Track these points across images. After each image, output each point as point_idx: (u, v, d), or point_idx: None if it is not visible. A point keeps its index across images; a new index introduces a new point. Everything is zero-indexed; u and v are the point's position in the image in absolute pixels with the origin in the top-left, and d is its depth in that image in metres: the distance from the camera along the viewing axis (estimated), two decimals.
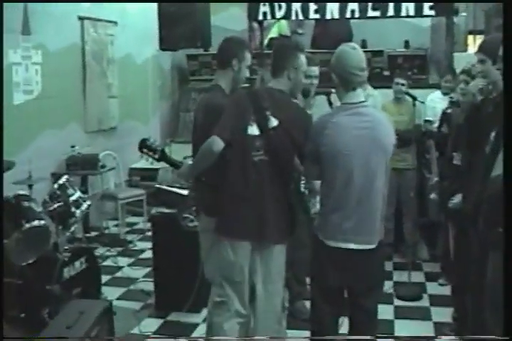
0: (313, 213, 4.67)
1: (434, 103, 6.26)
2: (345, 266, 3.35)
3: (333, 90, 4.54)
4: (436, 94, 6.41)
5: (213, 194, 3.76)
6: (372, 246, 3.35)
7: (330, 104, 4.32)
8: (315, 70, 4.87)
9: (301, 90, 4.15)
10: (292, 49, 3.71)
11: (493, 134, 3.32)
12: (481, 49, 3.66)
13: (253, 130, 3.58)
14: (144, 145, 3.92)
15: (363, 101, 3.37)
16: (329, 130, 3.29)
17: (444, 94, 6.23)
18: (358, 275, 3.38)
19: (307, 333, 3.72)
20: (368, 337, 3.42)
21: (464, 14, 8.42)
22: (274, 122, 3.54)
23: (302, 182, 3.73)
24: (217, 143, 3.51)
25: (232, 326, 3.75)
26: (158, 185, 5.64)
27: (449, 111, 5.21)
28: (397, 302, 5.34)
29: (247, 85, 4.29)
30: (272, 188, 3.61)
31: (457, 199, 4.30)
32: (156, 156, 3.92)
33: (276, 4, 7.72)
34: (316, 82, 4.90)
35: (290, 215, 3.74)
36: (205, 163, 3.64)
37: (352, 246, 3.32)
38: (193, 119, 4.16)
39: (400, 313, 5.10)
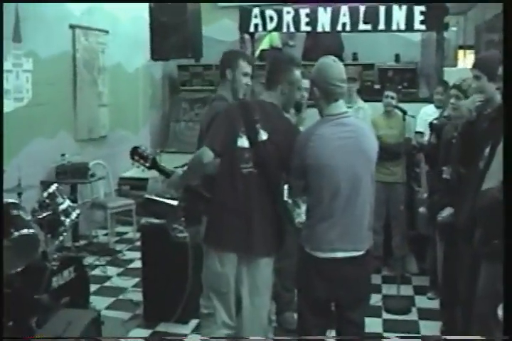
0: (297, 223, 4.70)
1: (427, 116, 6.24)
2: (333, 277, 3.35)
3: None
4: (430, 107, 6.42)
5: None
6: (360, 253, 3.36)
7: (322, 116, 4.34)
8: (306, 83, 4.89)
9: (293, 105, 4.16)
10: (287, 63, 3.70)
11: (487, 150, 3.35)
12: (477, 65, 3.68)
13: (243, 142, 3.56)
14: (135, 153, 3.92)
15: (345, 112, 3.41)
16: (313, 142, 3.30)
17: (437, 107, 6.26)
18: (346, 286, 3.37)
19: None
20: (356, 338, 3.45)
21: (454, 29, 8.50)
22: (263, 135, 3.55)
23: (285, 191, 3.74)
24: (208, 155, 3.52)
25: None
26: (147, 195, 5.61)
27: (435, 122, 5.25)
28: (386, 315, 5.33)
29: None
30: (261, 201, 3.60)
31: (446, 212, 4.33)
32: (148, 164, 3.92)
33: (267, 16, 7.75)
34: (306, 95, 4.92)
35: (279, 229, 3.72)
36: (195, 173, 3.69)
37: (339, 255, 3.32)
38: (200, 129, 4.18)
39: (389, 326, 5.08)
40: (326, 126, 3.35)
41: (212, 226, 3.70)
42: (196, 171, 3.67)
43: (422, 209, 5.55)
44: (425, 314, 5.31)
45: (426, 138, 5.90)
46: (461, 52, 9.62)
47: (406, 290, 5.75)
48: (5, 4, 6.01)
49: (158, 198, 5.18)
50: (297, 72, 3.67)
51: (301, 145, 3.36)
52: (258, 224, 3.59)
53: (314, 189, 3.38)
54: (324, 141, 3.30)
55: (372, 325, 4.96)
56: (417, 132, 6.28)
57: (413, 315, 5.33)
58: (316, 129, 3.37)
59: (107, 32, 8.34)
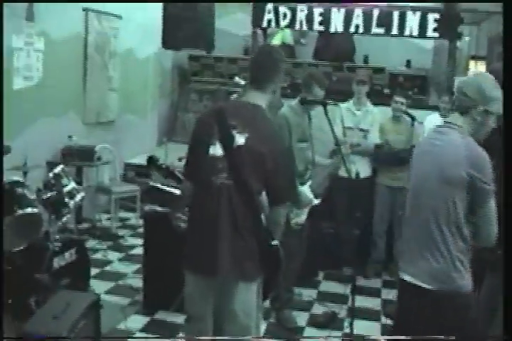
0: (294, 223, 4.70)
1: (432, 124, 6.25)
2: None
3: (328, 101, 4.58)
4: (435, 115, 6.44)
5: None
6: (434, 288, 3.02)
7: (326, 113, 4.35)
8: (322, 95, 4.81)
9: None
10: (283, 62, 3.40)
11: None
12: None
13: (215, 150, 3.18)
14: (151, 162, 3.84)
15: (450, 123, 3.08)
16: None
17: (443, 116, 6.27)
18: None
19: None
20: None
21: (467, 39, 8.52)
22: (239, 140, 3.16)
23: None
24: (187, 189, 3.38)
25: None
26: (152, 183, 5.60)
27: None
28: (385, 320, 5.29)
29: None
30: (235, 216, 3.18)
31: None
32: (165, 174, 3.84)
33: (281, 13, 7.77)
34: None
35: (262, 249, 3.26)
36: (185, 203, 3.47)
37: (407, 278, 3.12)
38: None
39: (387, 331, 4.97)
40: (429, 132, 3.18)
41: (187, 246, 3.35)
42: (186, 203, 3.44)
43: None
44: None
45: None
46: (472, 62, 9.65)
47: None
48: None
49: (163, 187, 5.18)
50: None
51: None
52: (233, 244, 3.19)
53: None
54: (416, 152, 3.21)
55: (371, 329, 5.01)
56: None
57: None
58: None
59: (120, 17, 8.28)
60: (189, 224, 3.37)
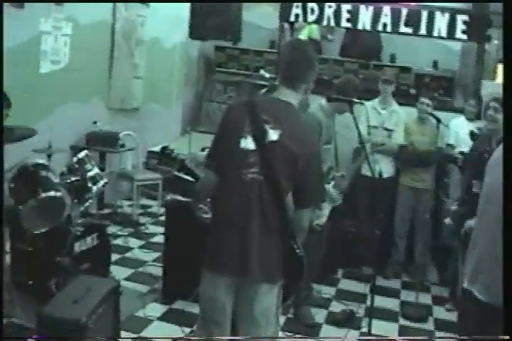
0: (316, 225, 4.67)
1: (458, 128, 6.20)
2: None
3: (354, 99, 4.55)
4: (461, 119, 6.36)
5: None
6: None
7: (351, 111, 4.32)
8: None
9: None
10: (317, 60, 3.24)
11: None
12: None
13: (247, 143, 3.03)
14: (163, 154, 3.72)
15: None
16: None
17: (469, 119, 6.22)
18: None
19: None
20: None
21: (496, 42, 8.39)
22: (273, 136, 3.01)
23: None
24: (209, 180, 3.13)
25: None
26: (176, 173, 5.56)
27: (476, 131, 5.18)
28: (403, 321, 5.28)
29: None
30: (265, 214, 3.04)
31: (472, 224, 4.27)
32: (176, 166, 3.70)
33: (309, 8, 7.72)
34: None
35: (287, 253, 3.14)
36: (205, 195, 3.36)
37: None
38: None
39: (404, 333, 5.02)
40: None
41: (208, 244, 3.15)
42: (205, 193, 3.28)
43: (447, 221, 5.48)
44: (442, 325, 5.23)
45: (456, 150, 5.87)
46: (501, 66, 9.50)
47: (424, 299, 5.66)
48: None
49: (186, 176, 5.14)
50: None
51: None
52: (262, 243, 3.04)
53: None
54: (496, 151, 2.96)
55: (389, 329, 5.00)
56: (447, 144, 6.20)
57: (430, 324, 5.27)
58: None
59: (147, 5, 8.24)
60: (213, 219, 3.21)
